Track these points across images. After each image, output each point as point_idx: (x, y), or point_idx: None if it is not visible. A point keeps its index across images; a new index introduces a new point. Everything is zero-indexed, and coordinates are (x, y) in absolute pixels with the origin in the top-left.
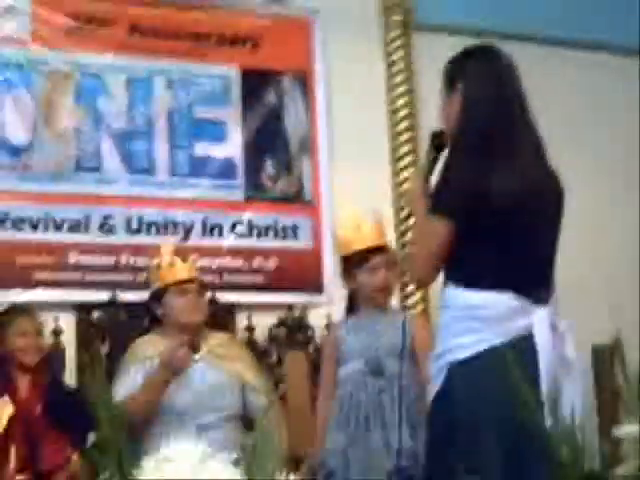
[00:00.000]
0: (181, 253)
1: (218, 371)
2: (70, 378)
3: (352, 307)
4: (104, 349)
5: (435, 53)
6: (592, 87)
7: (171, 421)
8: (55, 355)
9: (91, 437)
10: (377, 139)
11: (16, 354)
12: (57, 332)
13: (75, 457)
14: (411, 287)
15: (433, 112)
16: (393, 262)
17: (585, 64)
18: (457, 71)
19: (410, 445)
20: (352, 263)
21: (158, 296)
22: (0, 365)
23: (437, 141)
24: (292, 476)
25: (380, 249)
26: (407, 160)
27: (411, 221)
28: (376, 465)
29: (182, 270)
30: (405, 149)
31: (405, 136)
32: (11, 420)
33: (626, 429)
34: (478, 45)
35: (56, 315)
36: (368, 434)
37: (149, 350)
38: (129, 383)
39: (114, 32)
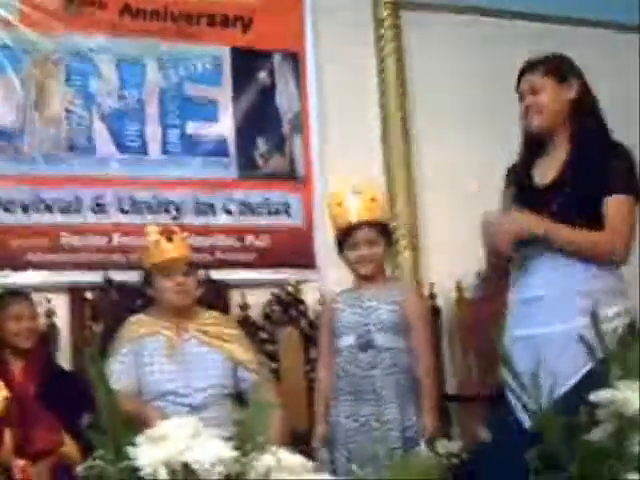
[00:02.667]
0: (172, 232)
1: (210, 350)
2: (64, 359)
3: None
4: (98, 329)
5: (425, 31)
6: (589, 64)
7: (164, 402)
8: (49, 337)
9: (85, 419)
10: (368, 118)
11: (10, 338)
12: (50, 314)
13: (68, 439)
14: (402, 257)
15: (423, 91)
16: (378, 236)
17: (582, 41)
18: (571, 69)
19: (396, 418)
20: (338, 239)
21: (148, 277)
22: None
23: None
24: (282, 451)
25: (365, 223)
26: (398, 137)
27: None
28: (371, 439)
29: (166, 250)
30: (396, 126)
31: (396, 114)
32: (6, 403)
33: (601, 395)
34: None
35: (49, 297)
36: (360, 407)
37: (140, 330)
38: (119, 365)
39: (105, 13)
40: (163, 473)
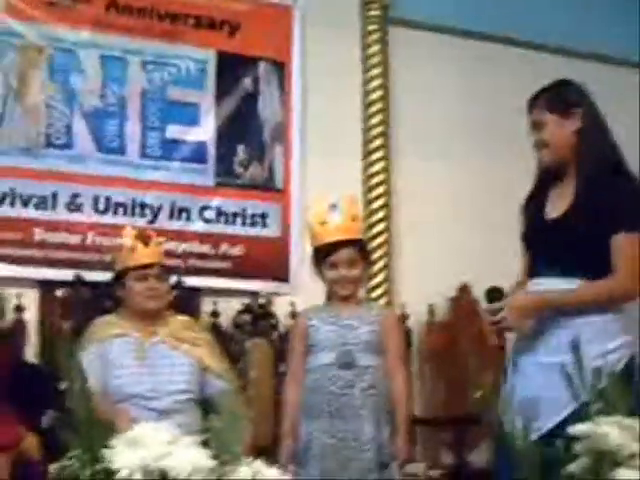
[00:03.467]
0: (149, 237)
1: (178, 354)
2: (31, 355)
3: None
4: (67, 327)
5: (411, 49)
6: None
7: (130, 405)
8: (17, 331)
9: (48, 416)
10: (350, 130)
11: None
12: (20, 309)
13: (29, 436)
14: (376, 280)
15: (406, 106)
16: (358, 256)
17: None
18: (573, 98)
19: (372, 437)
20: (318, 256)
21: (120, 278)
22: None
23: (493, 296)
24: (259, 463)
25: (346, 242)
26: (379, 153)
27: (380, 214)
28: (347, 457)
29: (142, 255)
30: (377, 142)
31: (378, 129)
32: None
33: (580, 428)
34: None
35: (19, 291)
36: (338, 424)
37: (108, 331)
38: (85, 365)
39: (92, 8)
40: (139, 478)
